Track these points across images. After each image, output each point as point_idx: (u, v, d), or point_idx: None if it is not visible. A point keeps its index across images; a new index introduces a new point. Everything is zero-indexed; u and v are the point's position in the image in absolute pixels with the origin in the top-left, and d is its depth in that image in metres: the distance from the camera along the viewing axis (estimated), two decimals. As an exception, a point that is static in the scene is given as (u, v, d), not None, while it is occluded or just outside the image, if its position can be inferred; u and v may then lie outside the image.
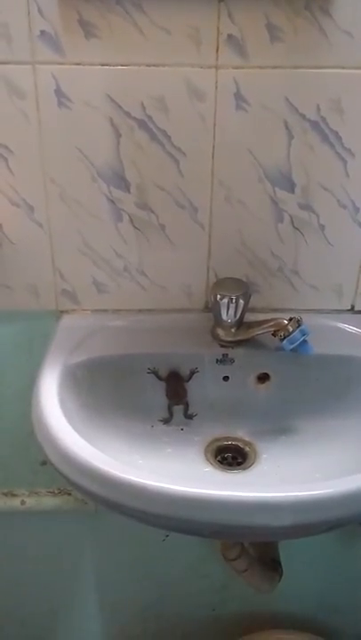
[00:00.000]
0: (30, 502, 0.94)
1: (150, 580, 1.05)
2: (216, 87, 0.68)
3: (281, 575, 0.92)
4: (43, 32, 0.64)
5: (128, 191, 0.73)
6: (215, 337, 0.77)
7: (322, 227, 0.76)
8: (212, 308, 0.76)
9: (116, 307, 0.81)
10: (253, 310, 0.78)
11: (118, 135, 0.69)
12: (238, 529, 0.59)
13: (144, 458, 0.72)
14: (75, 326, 0.79)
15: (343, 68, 0.67)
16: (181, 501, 0.55)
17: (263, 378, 0.78)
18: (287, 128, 0.70)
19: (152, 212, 0.74)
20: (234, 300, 0.73)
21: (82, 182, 0.72)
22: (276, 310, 0.81)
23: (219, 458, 0.76)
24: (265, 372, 0.77)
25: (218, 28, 0.65)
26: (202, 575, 1.04)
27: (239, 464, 0.75)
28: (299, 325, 0.72)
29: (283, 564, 0.93)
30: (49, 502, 0.93)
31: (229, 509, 0.57)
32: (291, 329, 0.71)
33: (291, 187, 0.73)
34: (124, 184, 0.72)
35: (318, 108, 0.69)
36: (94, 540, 1.00)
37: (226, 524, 0.57)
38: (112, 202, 0.73)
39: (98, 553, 1.02)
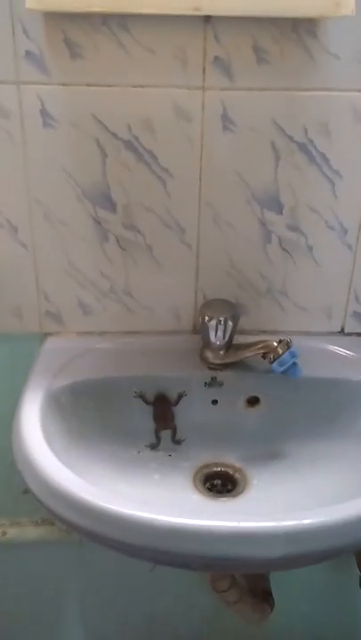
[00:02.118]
0: (12, 533, 0.90)
1: (138, 612, 1.01)
2: (203, 108, 0.67)
3: (273, 606, 0.89)
4: (28, 52, 0.63)
5: (114, 211, 0.72)
6: (204, 359, 0.75)
7: (310, 248, 0.75)
8: (200, 330, 0.74)
9: (101, 329, 0.79)
10: (242, 332, 0.76)
11: (104, 155, 0.69)
12: (229, 561, 0.57)
13: (130, 485, 0.70)
14: (59, 349, 0.77)
15: (330, 90, 0.67)
16: (169, 533, 0.52)
17: (253, 401, 0.76)
18: (274, 150, 0.70)
19: (139, 232, 0.73)
20: (222, 322, 0.72)
21: (67, 202, 0.71)
22: (265, 332, 0.79)
23: (208, 485, 0.73)
24: (254, 395, 0.76)
25: (204, 50, 0.64)
26: (191, 607, 1.00)
27: (229, 491, 0.73)
28: (288, 347, 0.70)
29: (274, 594, 0.90)
30: (31, 533, 0.90)
31: (219, 541, 0.54)
32: (281, 351, 0.70)
33: (279, 208, 0.73)
34: (110, 204, 0.71)
35: (306, 130, 0.69)
36: (79, 572, 0.96)
37: (215, 557, 0.55)
38: (98, 222, 0.72)
39: (83, 585, 0.98)
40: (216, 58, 0.65)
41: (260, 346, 0.72)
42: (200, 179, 0.71)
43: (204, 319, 0.72)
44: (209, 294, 0.77)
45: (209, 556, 0.54)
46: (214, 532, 0.53)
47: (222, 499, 0.71)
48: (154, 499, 0.68)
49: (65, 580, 0.97)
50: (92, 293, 0.77)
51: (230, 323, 0.72)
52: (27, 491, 0.61)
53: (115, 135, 0.68)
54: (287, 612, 0.96)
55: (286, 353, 0.70)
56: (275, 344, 0.71)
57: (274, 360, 0.70)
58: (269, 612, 0.89)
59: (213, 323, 0.72)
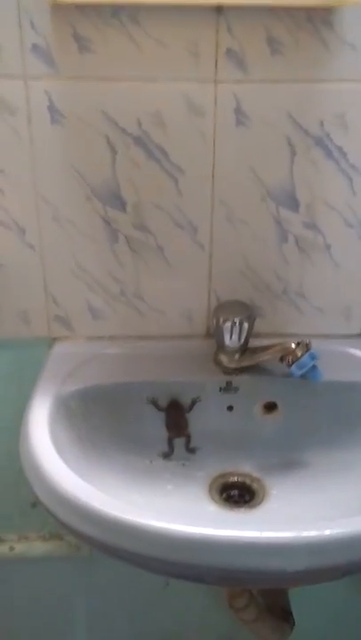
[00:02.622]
0: (20, 548, 0.87)
1: (150, 632, 0.97)
2: (215, 102, 0.65)
3: (293, 626, 0.85)
4: (35, 46, 0.62)
5: (124, 211, 0.69)
6: (218, 364, 0.72)
7: (328, 247, 0.72)
8: (214, 334, 0.71)
9: (112, 333, 0.76)
10: (257, 336, 0.73)
11: (114, 152, 0.66)
12: (246, 574, 0.53)
13: (143, 496, 0.66)
14: (68, 354, 0.74)
15: (347, 81, 0.65)
16: (188, 544, 0.49)
17: (270, 407, 0.73)
18: (290, 144, 0.67)
19: (149, 232, 0.71)
20: (238, 324, 0.69)
21: (76, 202, 0.68)
22: (281, 335, 0.76)
23: (224, 495, 0.70)
24: (272, 400, 0.72)
25: (217, 42, 0.63)
26: (206, 626, 0.96)
27: (246, 502, 0.69)
28: (308, 349, 0.67)
29: (293, 613, 0.86)
30: (39, 548, 0.86)
31: (237, 552, 0.50)
32: (299, 353, 0.67)
33: (295, 205, 0.70)
34: (119, 203, 0.69)
35: (322, 124, 0.66)
36: (88, 589, 0.92)
37: (237, 569, 0.51)
38: (107, 222, 0.70)
39: (92, 603, 0.94)
40: (229, 50, 0.63)
41: (278, 348, 0.69)
42: (213, 175, 0.68)
43: (218, 321, 0.69)
44: (223, 296, 0.74)
45: (230, 569, 0.50)
46: (237, 542, 0.49)
47: (240, 510, 0.67)
48: (168, 510, 0.64)
49: (74, 596, 0.93)
50: (101, 297, 0.74)
51: (246, 324, 0.69)
52: (35, 504, 0.58)
53: (124, 131, 0.65)
54: (307, 632, 0.91)
55: (305, 355, 0.67)
56: (293, 346, 0.68)
57: (292, 363, 0.67)
58: (289, 632, 0.84)
59: (228, 325, 0.69)
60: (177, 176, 0.68)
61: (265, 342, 0.71)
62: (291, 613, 0.85)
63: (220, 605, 0.83)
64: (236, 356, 0.71)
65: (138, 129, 0.66)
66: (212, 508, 0.67)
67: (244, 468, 0.72)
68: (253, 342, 0.71)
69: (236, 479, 0.71)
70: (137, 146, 0.66)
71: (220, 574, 0.53)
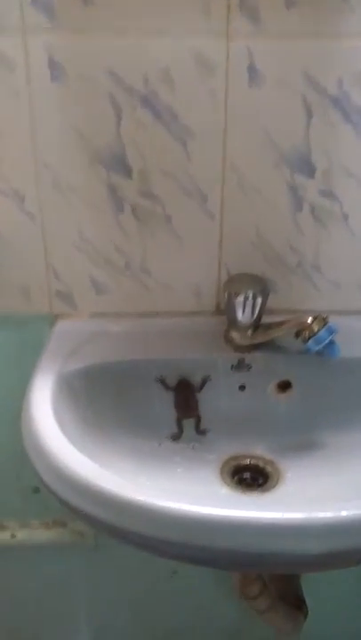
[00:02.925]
0: (21, 535, 0.83)
1: (156, 622, 0.93)
2: (227, 59, 0.61)
3: (306, 614, 0.82)
4: (34, -4, 0.57)
5: (130, 177, 0.65)
6: (229, 341, 0.68)
7: (345, 216, 0.68)
8: (225, 309, 0.67)
9: (117, 309, 0.72)
10: (269, 312, 0.69)
11: (119, 113, 0.62)
12: (262, 557, 0.49)
13: (152, 479, 0.63)
14: (71, 331, 0.70)
15: (368, 35, 0.60)
16: (203, 525, 0.45)
17: (284, 386, 0.69)
18: (306, 105, 0.63)
19: (156, 201, 0.66)
20: (251, 298, 0.65)
21: (78, 167, 0.64)
22: (294, 312, 0.72)
23: (236, 479, 0.66)
24: (286, 379, 0.69)
25: (229, -8, 0.58)
26: (215, 616, 0.92)
27: (260, 485, 0.66)
28: (325, 324, 0.63)
29: (307, 601, 0.82)
30: (42, 535, 0.83)
31: (253, 534, 0.47)
32: (316, 328, 0.63)
33: (310, 171, 0.66)
34: (124, 169, 0.65)
35: (341, 82, 0.62)
36: (93, 578, 0.89)
37: (249, 552, 0.48)
38: (112, 189, 0.66)
39: (97, 592, 0.91)
40: (242, 1, 0.58)
41: (293, 323, 0.65)
42: (224, 139, 0.64)
43: (230, 295, 0.65)
44: (233, 270, 0.70)
45: (246, 551, 0.46)
46: (253, 524, 0.46)
47: (254, 493, 0.64)
48: (179, 493, 0.61)
49: (77, 586, 0.90)
50: (105, 270, 0.70)
51: (259, 298, 0.65)
52: (37, 489, 0.54)
53: (130, 90, 0.61)
54: (321, 621, 0.88)
55: (323, 329, 0.63)
56: (309, 320, 0.64)
57: (309, 338, 0.63)
58: (303, 620, 0.81)
59: (240, 299, 0.65)
60: (186, 139, 0.64)
61: (278, 319, 0.67)
62: (304, 601, 0.82)
63: (229, 596, 0.80)
64: (249, 333, 0.67)
65: (145, 88, 0.61)
66: (225, 491, 0.64)
67: (257, 451, 0.68)
68: (266, 319, 0.67)
69: (248, 462, 0.67)
70: (144, 106, 0.62)
71: (236, 557, 0.50)
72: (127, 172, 0.65)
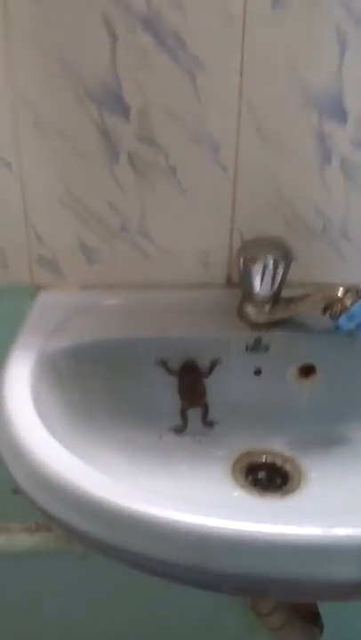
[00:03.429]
0: (0, 541, 0.73)
1: (152, 636, 0.84)
2: (247, -28, 0.50)
3: (322, 629, 0.72)
4: None
5: (127, 118, 0.54)
6: (243, 317, 0.58)
7: (381, 171, 0.58)
8: (239, 279, 0.57)
9: (110, 281, 0.62)
10: (288, 286, 0.59)
11: (114, 39, 0.51)
12: (295, 585, 0.39)
13: (150, 479, 0.53)
14: (56, 304, 0.60)
15: None
16: (223, 545, 0.35)
17: (307, 370, 0.59)
18: (340, 35, 0.53)
19: (159, 148, 0.56)
20: (270, 265, 0.54)
21: (64, 104, 0.53)
22: (317, 285, 0.62)
23: (250, 479, 0.56)
24: (309, 362, 0.58)
25: None
26: (216, 630, 0.83)
27: (278, 487, 0.56)
28: (359, 297, 0.53)
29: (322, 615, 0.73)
30: (24, 541, 0.73)
31: (287, 555, 0.37)
32: (349, 302, 0.53)
33: (342, 116, 0.56)
34: (120, 108, 0.54)
35: (382, 6, 0.52)
36: (83, 589, 0.79)
37: (279, 578, 0.38)
38: (105, 133, 0.55)
39: (87, 605, 0.81)
40: None
41: (320, 296, 0.55)
42: (240, 73, 0.53)
43: (245, 262, 0.55)
44: (248, 235, 0.60)
45: (282, 579, 0.36)
46: (293, 544, 0.36)
47: (273, 496, 0.54)
48: (184, 498, 0.51)
49: (65, 596, 0.80)
50: (97, 233, 0.59)
51: (281, 266, 0.55)
52: (17, 490, 0.44)
53: (128, 9, 0.50)
54: (336, 636, 0.78)
55: (357, 304, 0.53)
56: (340, 293, 0.54)
57: (340, 314, 0.53)
58: (319, 635, 0.72)
59: (259, 266, 0.55)
60: (195, 72, 0.53)
61: (300, 293, 0.57)
62: (319, 614, 0.73)
63: (233, 605, 0.70)
64: (267, 308, 0.57)
65: (146, 8, 0.50)
66: (238, 494, 0.54)
67: (275, 446, 0.58)
68: (285, 293, 0.57)
69: (264, 459, 0.58)
70: (145, 31, 0.51)
71: (261, 584, 0.40)
72: (124, 111, 0.54)
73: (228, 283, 0.63)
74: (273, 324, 0.58)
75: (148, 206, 0.58)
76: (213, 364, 0.57)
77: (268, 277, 0.55)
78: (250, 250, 0.55)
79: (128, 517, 0.35)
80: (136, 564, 0.39)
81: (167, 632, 0.83)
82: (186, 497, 0.51)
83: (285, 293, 0.58)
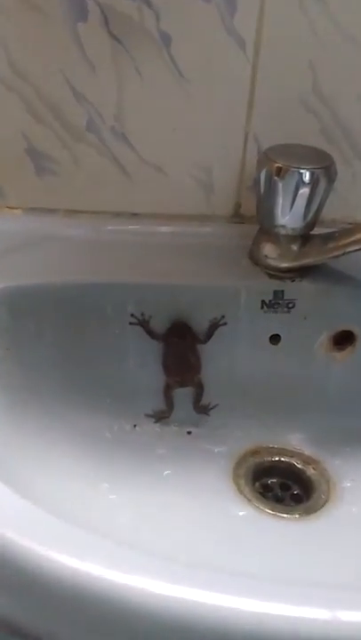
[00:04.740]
0: None
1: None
2: None
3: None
4: None
5: None
6: (260, 260, 0.41)
7: None
8: (259, 204, 0.40)
9: (70, 203, 0.44)
10: (319, 224, 0.41)
11: None
12: None
13: (118, 488, 0.37)
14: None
15: None
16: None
17: (344, 339, 0.42)
18: None
19: (147, 3, 0.37)
20: (308, 180, 0.37)
21: None
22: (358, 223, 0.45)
23: (258, 486, 0.40)
24: (347, 328, 0.42)
25: None
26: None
27: (297, 500, 0.40)
28: None
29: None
30: None
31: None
32: None
33: None
34: None
35: None
36: None
37: None
38: (66, -31, 0.36)
39: None
40: None
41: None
42: None
43: (269, 175, 0.37)
44: (266, 143, 0.42)
45: None
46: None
47: (290, 515, 0.38)
48: (162, 521, 0.34)
49: None
50: (53, 132, 0.41)
51: (323, 183, 0.37)
52: None
53: None
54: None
55: None
56: None
57: None
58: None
59: (289, 181, 0.37)
60: None
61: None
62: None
63: None
64: (295, 247, 0.40)
65: None
66: (243, 513, 0.38)
67: (293, 442, 0.43)
68: (317, 231, 0.40)
69: (278, 459, 0.42)
70: None
71: None
72: None
73: (237, 214, 0.45)
74: (301, 272, 0.41)
75: (128, 94, 0.40)
76: (214, 327, 0.40)
77: (301, 201, 0.37)
78: (277, 157, 0.38)
79: (77, 587, 0.19)
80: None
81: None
82: (166, 524, 0.35)
83: (318, 231, 0.41)
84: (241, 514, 0.37)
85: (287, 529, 0.37)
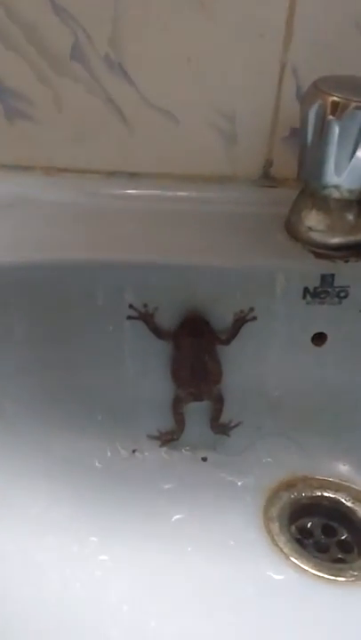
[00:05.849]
0: None
1: None
2: None
3: None
4: None
5: None
6: (300, 234, 0.31)
7: None
8: (301, 157, 0.30)
9: (51, 160, 0.34)
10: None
11: None
12: None
13: (110, 545, 0.27)
14: None
15: None
16: None
17: None
18: None
19: None
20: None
21: None
22: None
23: (295, 531, 0.31)
24: None
25: None
26: None
27: (345, 548, 0.30)
28: None
29: None
30: None
31: None
32: None
33: None
34: None
35: None
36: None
37: None
38: None
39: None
40: None
41: None
42: None
43: (322, 113, 0.27)
44: (309, 79, 0.32)
45: None
46: None
47: (341, 577, 0.28)
48: (172, 596, 0.25)
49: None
50: (27, 59, 0.31)
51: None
52: None
53: None
54: None
55: None
56: None
57: None
58: None
59: (352, 120, 0.27)
60: None
61: None
62: None
63: None
64: (350, 217, 0.30)
65: None
66: (282, 577, 0.28)
67: (339, 471, 0.33)
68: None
69: (320, 494, 0.32)
70: None
71: None
72: None
73: (267, 175, 0.35)
74: (357, 251, 0.31)
75: (128, 10, 0.30)
76: (239, 323, 0.31)
77: (361, 152, 0.27)
78: (333, 89, 0.27)
79: None
80: None
81: None
82: (177, 601, 0.26)
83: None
84: (279, 578, 0.28)
85: (343, 599, 0.27)
